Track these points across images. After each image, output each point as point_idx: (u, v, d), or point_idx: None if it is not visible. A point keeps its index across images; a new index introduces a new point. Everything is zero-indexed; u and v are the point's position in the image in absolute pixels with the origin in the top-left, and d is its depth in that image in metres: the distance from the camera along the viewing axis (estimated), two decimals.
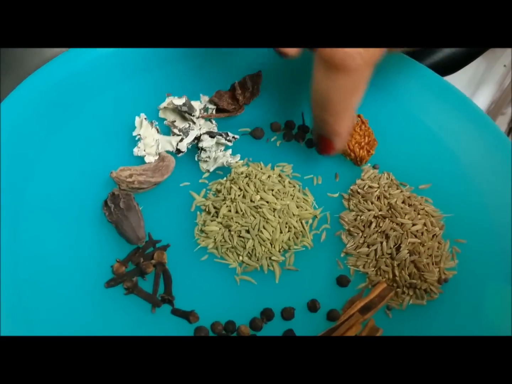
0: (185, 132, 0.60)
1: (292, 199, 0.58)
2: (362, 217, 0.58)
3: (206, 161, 0.60)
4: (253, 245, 0.55)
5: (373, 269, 0.56)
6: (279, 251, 0.56)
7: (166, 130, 0.62)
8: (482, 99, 0.81)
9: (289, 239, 0.57)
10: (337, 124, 0.52)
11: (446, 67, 0.75)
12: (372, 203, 0.59)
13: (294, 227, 0.57)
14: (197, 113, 0.62)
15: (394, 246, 0.56)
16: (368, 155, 0.61)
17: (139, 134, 0.60)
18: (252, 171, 0.59)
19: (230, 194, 0.57)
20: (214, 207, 0.58)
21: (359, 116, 0.63)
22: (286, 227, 0.56)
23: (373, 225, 0.57)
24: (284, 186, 0.59)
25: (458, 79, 0.77)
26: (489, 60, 0.83)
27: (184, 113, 0.61)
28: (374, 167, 0.63)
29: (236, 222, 0.56)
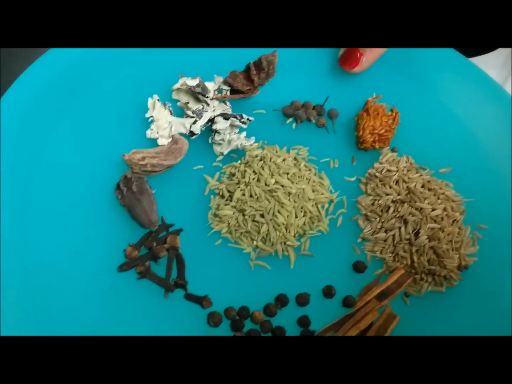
0: (199, 114, 0.59)
1: (308, 183, 0.57)
2: (379, 202, 0.57)
3: (220, 143, 0.59)
4: (268, 230, 0.54)
5: (390, 255, 0.55)
6: (294, 236, 0.55)
7: (180, 112, 0.60)
8: None
9: (304, 223, 0.55)
10: None
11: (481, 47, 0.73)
12: (390, 187, 0.57)
13: (310, 211, 0.56)
14: (211, 95, 0.60)
15: (412, 232, 0.55)
16: (371, 145, 0.60)
17: (152, 116, 0.59)
18: (267, 154, 0.58)
19: (244, 177, 0.56)
20: (228, 191, 0.56)
21: (392, 109, 0.61)
22: (301, 211, 0.55)
23: (391, 209, 0.56)
24: (299, 170, 0.58)
25: (494, 60, 0.75)
26: None
27: (198, 94, 0.59)
28: (392, 150, 0.61)
29: (251, 206, 0.55)
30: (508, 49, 0.80)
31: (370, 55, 0.60)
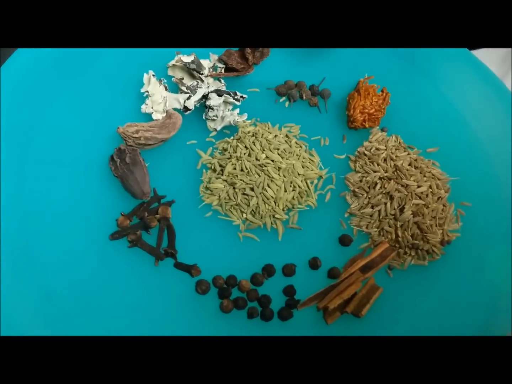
0: (193, 90, 0.60)
1: (298, 159, 0.58)
2: (367, 179, 0.58)
3: (214, 119, 0.60)
4: (257, 203, 0.56)
5: (376, 229, 0.56)
6: (283, 210, 0.56)
7: (175, 88, 0.62)
8: None
9: (293, 198, 0.57)
10: None
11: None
12: (378, 164, 0.59)
13: (299, 186, 0.57)
14: (206, 72, 0.62)
15: (398, 207, 0.56)
16: (361, 124, 0.61)
17: (147, 91, 0.60)
18: (259, 131, 0.59)
19: (236, 152, 0.58)
20: (220, 165, 0.58)
21: (383, 90, 0.62)
22: (290, 186, 0.57)
23: (378, 186, 0.57)
24: (290, 146, 0.59)
25: (493, 55, 0.76)
26: None
27: (193, 70, 0.61)
28: (382, 130, 0.62)
29: (241, 180, 0.56)
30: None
31: None
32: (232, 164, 0.57)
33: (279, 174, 0.56)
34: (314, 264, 0.54)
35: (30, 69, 0.58)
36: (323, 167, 0.60)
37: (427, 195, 0.56)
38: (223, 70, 0.64)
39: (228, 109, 0.61)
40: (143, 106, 0.60)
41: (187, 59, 0.60)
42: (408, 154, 0.60)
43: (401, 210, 0.56)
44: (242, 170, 0.57)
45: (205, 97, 0.60)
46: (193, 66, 0.60)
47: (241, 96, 0.61)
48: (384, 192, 0.57)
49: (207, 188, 0.57)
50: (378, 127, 0.62)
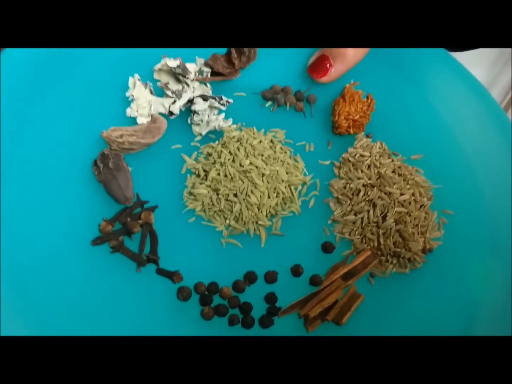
0: (178, 94, 0.60)
1: (282, 165, 0.59)
2: (351, 185, 0.58)
3: (199, 124, 0.60)
4: (240, 209, 0.56)
5: (358, 236, 0.57)
6: (266, 216, 0.57)
7: (161, 91, 0.62)
8: (509, 75, 0.79)
9: (276, 204, 0.57)
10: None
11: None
12: (362, 171, 0.59)
13: (283, 192, 0.57)
14: (191, 76, 0.62)
15: (380, 215, 0.56)
16: (346, 130, 0.61)
17: (132, 95, 0.60)
18: (244, 136, 0.59)
19: (220, 158, 0.58)
20: (204, 170, 0.58)
21: (368, 96, 0.62)
22: (274, 192, 0.57)
23: (361, 193, 0.57)
24: (275, 152, 0.59)
25: (487, 56, 0.76)
26: None
27: (178, 75, 0.61)
28: (367, 136, 0.63)
29: (225, 186, 0.56)
30: (495, 49, 0.81)
31: (339, 67, 0.60)
32: (216, 170, 0.57)
33: (262, 180, 0.56)
34: (296, 271, 0.55)
35: (11, 72, 0.58)
36: (307, 173, 0.60)
37: (409, 203, 0.57)
38: (209, 75, 0.63)
39: (214, 113, 0.61)
40: (128, 110, 0.60)
41: (173, 63, 0.60)
42: (392, 161, 0.60)
43: (384, 217, 0.56)
44: (226, 176, 0.57)
45: (191, 101, 0.60)
46: (178, 70, 0.60)
47: (227, 101, 0.61)
48: (367, 199, 0.57)
49: (190, 193, 0.57)
50: (363, 133, 0.62)
